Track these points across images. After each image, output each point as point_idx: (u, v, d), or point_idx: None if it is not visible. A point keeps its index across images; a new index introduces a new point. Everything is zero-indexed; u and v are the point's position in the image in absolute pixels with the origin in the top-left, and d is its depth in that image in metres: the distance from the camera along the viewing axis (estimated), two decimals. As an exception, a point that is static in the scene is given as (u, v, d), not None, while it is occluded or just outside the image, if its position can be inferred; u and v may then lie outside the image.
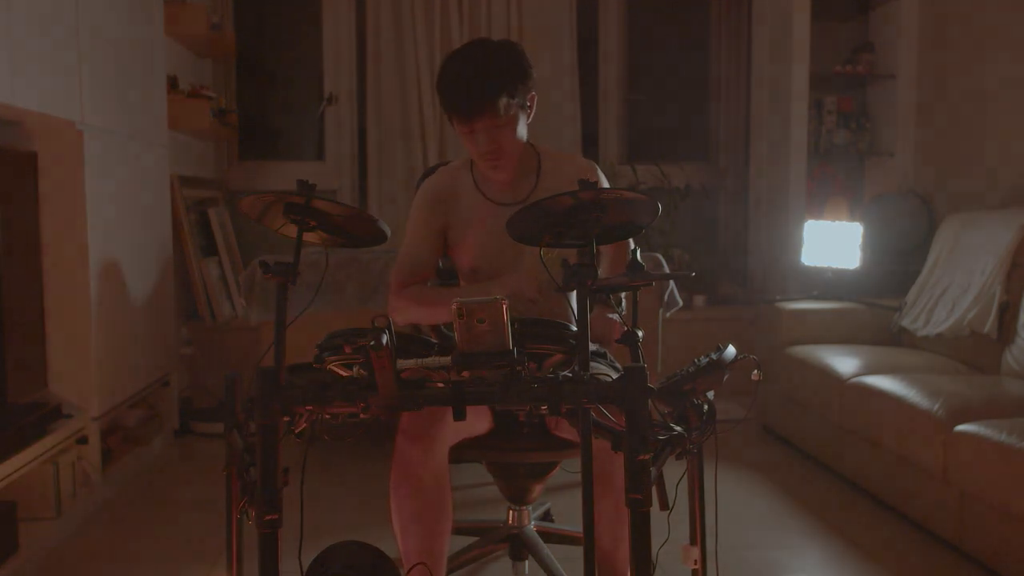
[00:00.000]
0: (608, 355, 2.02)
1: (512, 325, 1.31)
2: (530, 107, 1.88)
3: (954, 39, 3.89)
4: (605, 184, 2.07)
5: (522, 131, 1.88)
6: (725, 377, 1.48)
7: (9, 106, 2.31)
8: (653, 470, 1.35)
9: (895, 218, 4.09)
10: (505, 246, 1.76)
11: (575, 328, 1.40)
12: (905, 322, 3.42)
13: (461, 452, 1.90)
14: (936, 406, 2.48)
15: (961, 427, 2.36)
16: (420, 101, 4.41)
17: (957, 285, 3.21)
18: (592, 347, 2.01)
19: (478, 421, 1.87)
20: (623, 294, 2.00)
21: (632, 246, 2.06)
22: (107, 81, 2.91)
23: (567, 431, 1.86)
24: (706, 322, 4.34)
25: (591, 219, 1.42)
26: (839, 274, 3.89)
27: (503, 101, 1.77)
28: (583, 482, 1.30)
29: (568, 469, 2.22)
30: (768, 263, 4.48)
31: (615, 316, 1.92)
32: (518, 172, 1.98)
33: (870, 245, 3.89)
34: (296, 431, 1.43)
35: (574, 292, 1.39)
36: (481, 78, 1.77)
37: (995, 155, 3.59)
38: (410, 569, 1.75)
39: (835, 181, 4.58)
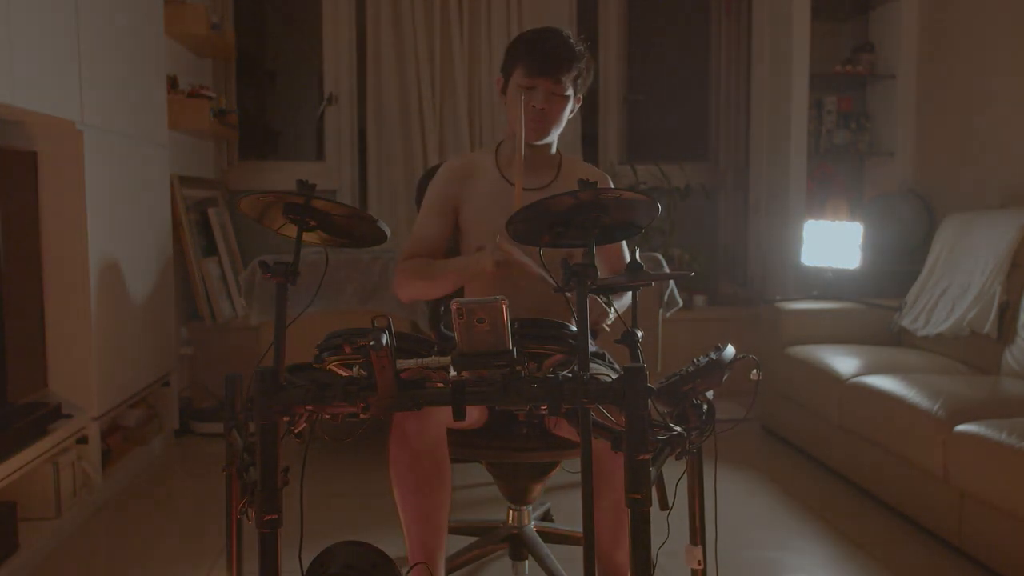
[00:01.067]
0: (607, 355, 2.03)
1: (512, 325, 1.32)
2: (576, 105, 2.03)
3: (954, 39, 3.89)
4: None
5: (565, 115, 2.00)
6: (725, 377, 1.48)
7: (9, 106, 2.31)
8: (653, 470, 1.35)
9: (895, 218, 4.09)
10: None
11: (575, 328, 1.40)
12: (905, 322, 3.42)
13: (461, 452, 1.90)
14: (936, 406, 2.48)
15: (961, 427, 2.36)
16: (420, 101, 4.41)
17: (957, 285, 3.21)
18: (591, 348, 2.01)
19: (474, 411, 1.88)
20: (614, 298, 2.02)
21: (627, 256, 2.08)
22: (107, 81, 2.91)
23: (567, 431, 1.86)
24: (706, 322, 4.33)
25: (591, 219, 1.42)
26: (839, 274, 3.89)
27: (572, 75, 1.94)
28: (583, 482, 1.30)
29: (568, 469, 2.22)
30: (768, 263, 4.48)
31: (609, 312, 1.93)
32: (541, 163, 2.07)
33: (870, 245, 3.89)
34: (296, 431, 1.43)
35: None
36: (566, 50, 1.95)
37: (995, 155, 3.59)
38: (410, 569, 1.75)
39: (835, 181, 4.59)
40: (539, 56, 1.93)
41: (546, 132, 1.98)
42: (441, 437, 1.80)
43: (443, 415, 1.78)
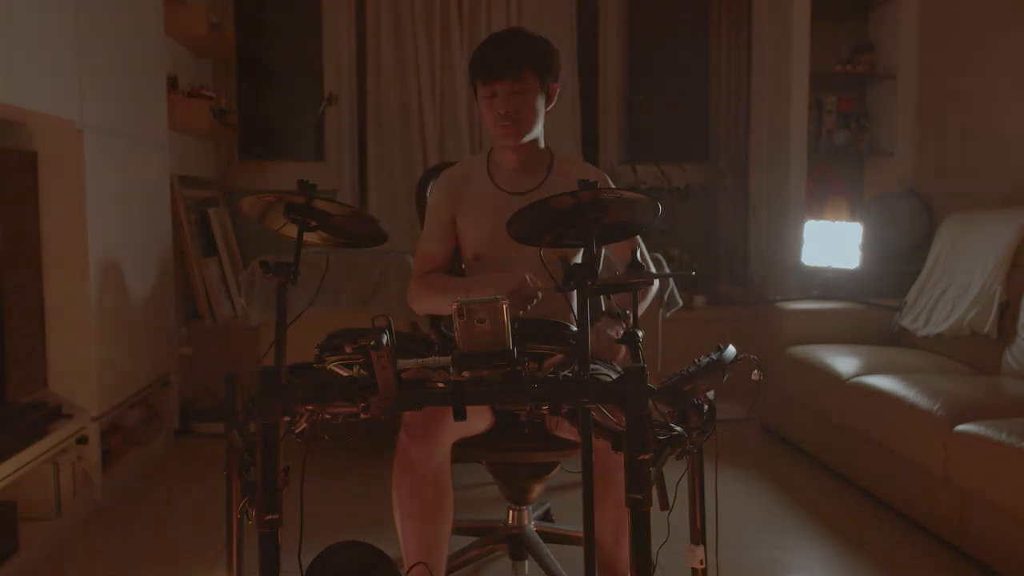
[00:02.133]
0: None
1: (512, 325, 1.32)
2: (550, 96, 1.99)
3: (954, 39, 3.89)
4: None
5: (539, 109, 1.96)
6: (725, 377, 1.48)
7: (9, 106, 2.31)
8: (653, 470, 1.35)
9: (895, 218, 4.09)
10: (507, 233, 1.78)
11: (575, 328, 1.40)
12: (905, 322, 3.42)
13: (461, 452, 1.90)
14: (936, 406, 2.48)
15: (961, 427, 2.36)
16: (420, 101, 4.41)
17: (957, 285, 3.21)
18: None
19: (479, 419, 1.88)
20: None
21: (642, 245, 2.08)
22: (107, 81, 2.91)
23: (567, 431, 1.86)
24: (706, 322, 4.33)
25: (591, 219, 1.42)
26: (839, 274, 3.89)
27: (528, 69, 1.91)
28: (583, 482, 1.30)
29: (568, 469, 2.21)
30: (768, 263, 4.48)
31: (613, 332, 1.92)
32: (530, 165, 2.04)
33: (870, 245, 3.89)
34: (296, 431, 1.43)
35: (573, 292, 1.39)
36: (513, 45, 1.93)
37: (995, 155, 3.59)
38: (410, 569, 1.75)
39: (835, 181, 4.58)
40: (488, 62, 1.92)
41: (520, 132, 1.95)
42: (446, 463, 1.79)
43: (449, 438, 1.78)
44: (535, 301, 1.75)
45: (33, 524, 2.46)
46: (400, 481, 1.76)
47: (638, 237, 2.05)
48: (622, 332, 1.89)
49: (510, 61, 1.90)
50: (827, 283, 3.90)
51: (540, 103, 1.96)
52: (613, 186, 2.10)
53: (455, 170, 2.12)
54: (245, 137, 4.60)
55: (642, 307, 2.03)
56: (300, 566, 1.48)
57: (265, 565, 1.32)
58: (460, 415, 1.33)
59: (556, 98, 2.01)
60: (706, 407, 1.50)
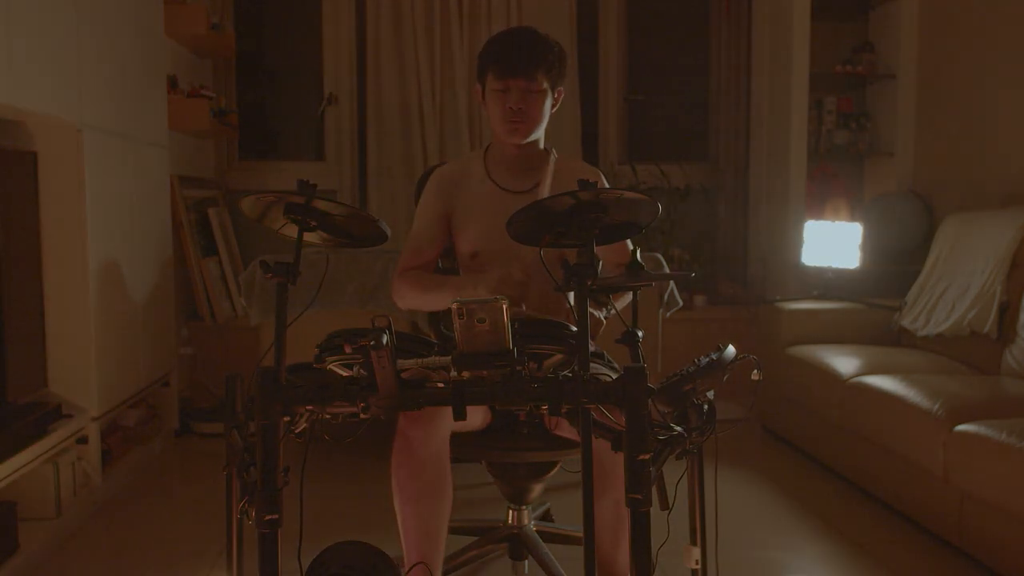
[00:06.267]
0: (606, 354, 2.03)
1: (512, 325, 1.32)
2: (556, 99, 2.02)
3: (954, 39, 3.89)
4: None
5: (547, 111, 1.99)
6: (725, 377, 1.48)
7: (9, 106, 2.31)
8: (653, 470, 1.35)
9: (895, 218, 4.09)
10: (506, 232, 1.79)
11: (575, 328, 1.40)
12: (905, 322, 3.42)
13: (461, 452, 1.90)
14: (936, 406, 2.48)
15: (961, 427, 2.36)
16: (420, 101, 4.41)
17: (957, 285, 3.21)
18: (591, 348, 2.02)
19: (476, 416, 1.89)
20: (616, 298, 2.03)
21: (631, 247, 2.08)
22: (107, 81, 2.91)
23: (567, 431, 1.87)
24: (706, 322, 4.33)
25: (591, 219, 1.42)
26: (839, 274, 3.89)
27: (543, 72, 1.94)
28: (583, 482, 1.30)
29: (568, 469, 2.21)
30: (768, 263, 4.48)
31: (598, 313, 1.95)
32: (530, 163, 2.05)
33: (870, 245, 3.89)
34: (296, 431, 1.43)
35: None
36: (533, 46, 1.95)
37: (995, 155, 3.59)
38: (410, 569, 1.75)
39: (835, 181, 4.58)
40: (507, 57, 1.93)
41: (528, 131, 1.97)
42: (445, 447, 1.79)
43: (448, 423, 1.78)
44: (523, 290, 1.76)
45: (33, 524, 2.46)
46: (399, 465, 1.76)
47: (629, 242, 2.06)
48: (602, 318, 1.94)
49: (529, 62, 1.92)
50: (827, 283, 3.90)
51: (547, 105, 1.98)
52: (607, 183, 2.12)
53: (450, 167, 2.12)
54: (245, 137, 4.60)
55: (620, 304, 2.05)
56: (300, 566, 1.48)
57: (265, 565, 1.32)
58: (460, 415, 1.33)
59: (558, 103, 2.03)
60: (706, 407, 1.50)
